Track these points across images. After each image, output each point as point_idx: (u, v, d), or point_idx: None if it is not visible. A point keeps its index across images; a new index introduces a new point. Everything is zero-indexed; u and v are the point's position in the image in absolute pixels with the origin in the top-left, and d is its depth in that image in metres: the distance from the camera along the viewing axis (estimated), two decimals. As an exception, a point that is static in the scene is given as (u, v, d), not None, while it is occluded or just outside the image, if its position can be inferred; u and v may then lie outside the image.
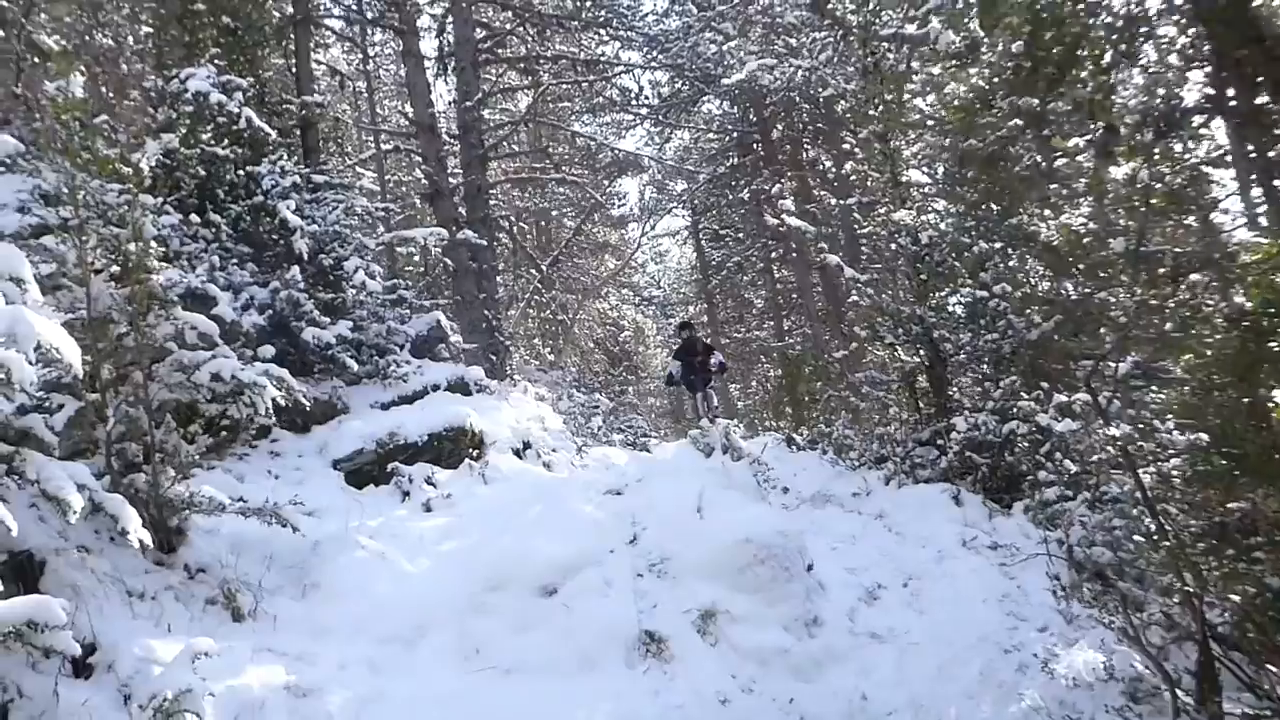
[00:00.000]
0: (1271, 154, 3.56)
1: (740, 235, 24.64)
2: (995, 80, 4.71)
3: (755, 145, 21.95)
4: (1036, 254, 8.19)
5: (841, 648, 5.06)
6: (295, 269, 7.33)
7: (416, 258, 11.22)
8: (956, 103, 5.36)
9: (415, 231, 9.17)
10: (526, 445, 8.13)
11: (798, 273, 21.68)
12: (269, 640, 4.82)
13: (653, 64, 17.78)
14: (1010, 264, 7.96)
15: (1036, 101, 4.38)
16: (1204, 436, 3.22)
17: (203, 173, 7.43)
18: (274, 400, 5.33)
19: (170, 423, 5.27)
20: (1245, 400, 3.11)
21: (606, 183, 22.19)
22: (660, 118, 20.49)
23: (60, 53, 5.52)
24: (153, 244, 5.06)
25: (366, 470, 7.10)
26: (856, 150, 14.57)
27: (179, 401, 5.38)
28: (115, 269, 5.14)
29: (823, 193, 20.80)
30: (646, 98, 19.56)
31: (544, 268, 18.54)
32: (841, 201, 13.72)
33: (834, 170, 19.17)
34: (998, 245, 8.05)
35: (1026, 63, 4.21)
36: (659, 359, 33.37)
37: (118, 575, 4.84)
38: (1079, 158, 5.23)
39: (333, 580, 5.42)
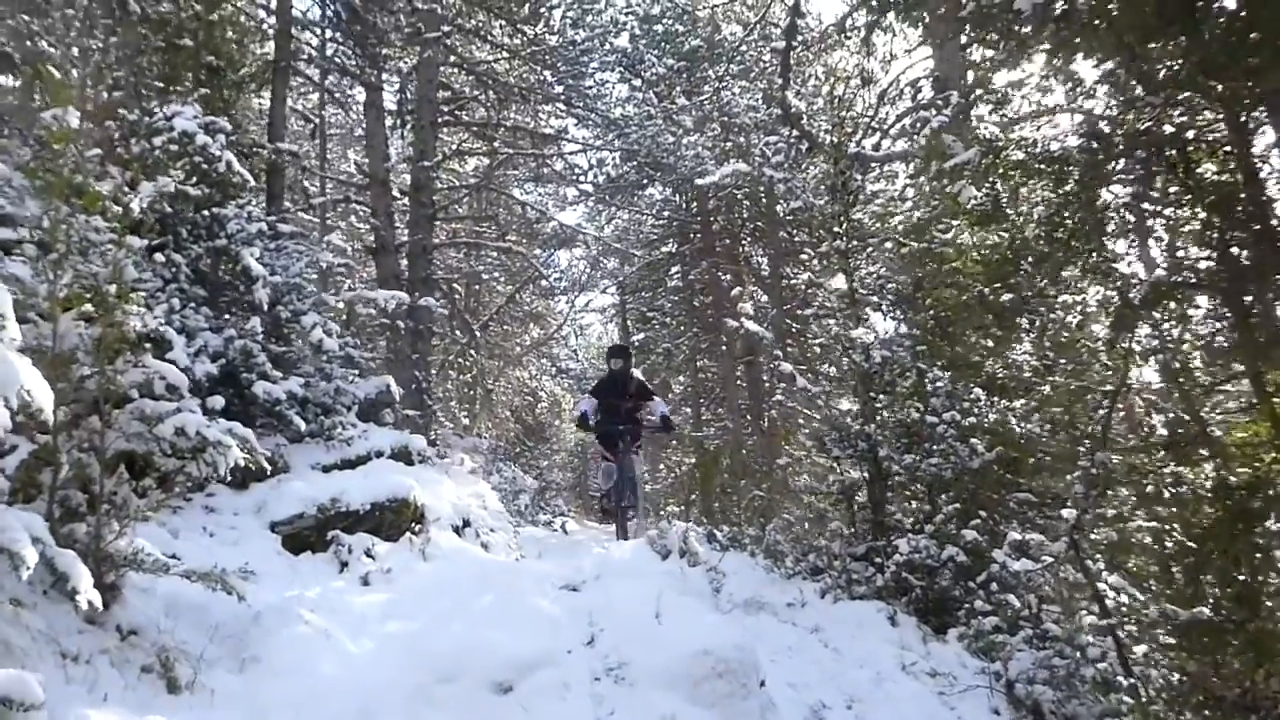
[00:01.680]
0: (1261, 339, 3.78)
1: (668, 320, 24.92)
2: (1016, 241, 4.96)
3: (694, 235, 22.35)
4: (981, 384, 8.48)
5: (794, 772, 5.02)
6: (255, 319, 7.14)
7: (375, 319, 11.02)
8: (977, 256, 5.61)
9: (378, 293, 9.05)
10: (466, 523, 7.98)
11: (723, 366, 21.97)
12: (206, 716, 4.58)
13: (608, 146, 18.08)
14: (957, 391, 8.18)
15: (1053, 266, 4.62)
16: (1205, 611, 3.35)
17: (167, 209, 7.22)
18: (236, 462, 5.16)
19: (123, 473, 5.04)
20: (1234, 575, 3.23)
21: (543, 253, 22.30)
22: (605, 197, 20.78)
23: (59, 82, 5.34)
24: (133, 290, 4.88)
25: (305, 535, 6.86)
26: (807, 257, 14.96)
27: (134, 452, 5.16)
28: (88, 308, 4.93)
29: (755, 289, 21.23)
30: (594, 176, 19.85)
31: (476, 332, 18.42)
32: (799, 307, 13.94)
33: (769, 268, 19.63)
34: (946, 372, 8.29)
35: (1047, 228, 4.44)
36: (572, 433, 33.25)
37: (52, 634, 4.55)
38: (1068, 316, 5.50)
39: (274, 655, 5.18)
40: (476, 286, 22.77)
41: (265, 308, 7.41)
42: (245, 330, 7.19)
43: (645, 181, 20.63)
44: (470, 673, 5.11)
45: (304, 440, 7.71)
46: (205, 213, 7.46)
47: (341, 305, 9.50)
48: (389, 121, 15.13)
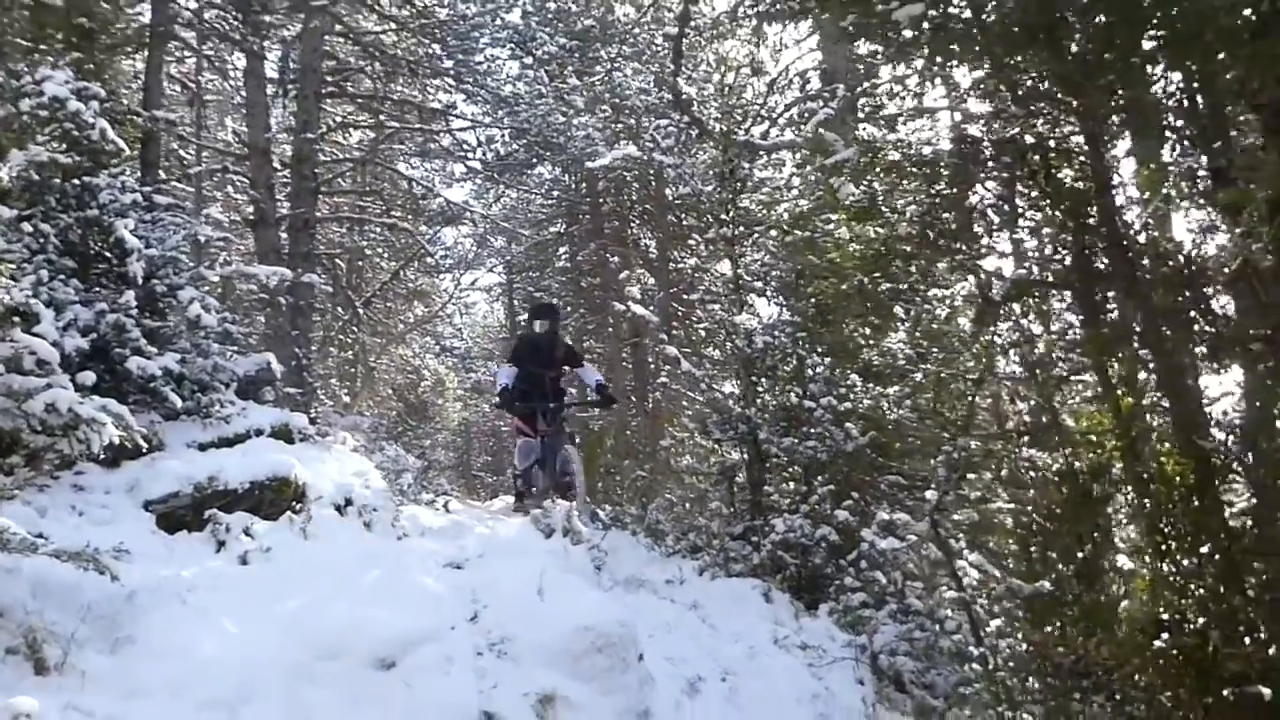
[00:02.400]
0: (1108, 335, 4.10)
1: (555, 301, 24.92)
2: (891, 237, 5.21)
3: (583, 216, 22.40)
4: (857, 371, 8.82)
5: (670, 742, 5.20)
6: (129, 293, 6.93)
7: (255, 294, 10.71)
8: (853, 250, 5.86)
9: (259, 269, 8.84)
10: (348, 502, 7.91)
11: (609, 347, 22.13)
12: (77, 699, 4.48)
13: (497, 124, 17.95)
14: (835, 377, 8.49)
15: (924, 262, 4.88)
16: (1046, 585, 3.64)
17: (35, 176, 6.94)
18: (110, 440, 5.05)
19: (-13, 451, 4.89)
20: (1076, 554, 3.51)
21: (428, 230, 22.02)
22: (493, 175, 20.63)
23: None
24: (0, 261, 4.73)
25: (180, 515, 6.72)
26: (695, 242, 15.19)
27: (0, 429, 5.00)
28: (-49, 279, 4.76)
29: (643, 272, 21.42)
30: (483, 153, 19.68)
31: (359, 308, 18.13)
32: (685, 291, 14.13)
33: (657, 252, 19.84)
34: (825, 359, 8.59)
35: (920, 227, 4.69)
36: (457, 413, 32.96)
37: (-90, 616, 4.41)
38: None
39: (149, 635, 5.10)
40: (360, 262, 22.37)
41: (140, 281, 7.20)
42: (118, 304, 6.97)
43: (534, 160, 20.52)
44: (352, 650, 5.11)
45: (180, 418, 7.52)
46: (76, 181, 7.18)
47: (218, 279, 9.27)
48: (270, 90, 14.73)
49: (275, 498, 7.25)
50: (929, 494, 5.44)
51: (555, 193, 23.02)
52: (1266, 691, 2.73)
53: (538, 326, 8.56)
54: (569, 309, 24.42)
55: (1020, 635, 4.18)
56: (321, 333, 18.40)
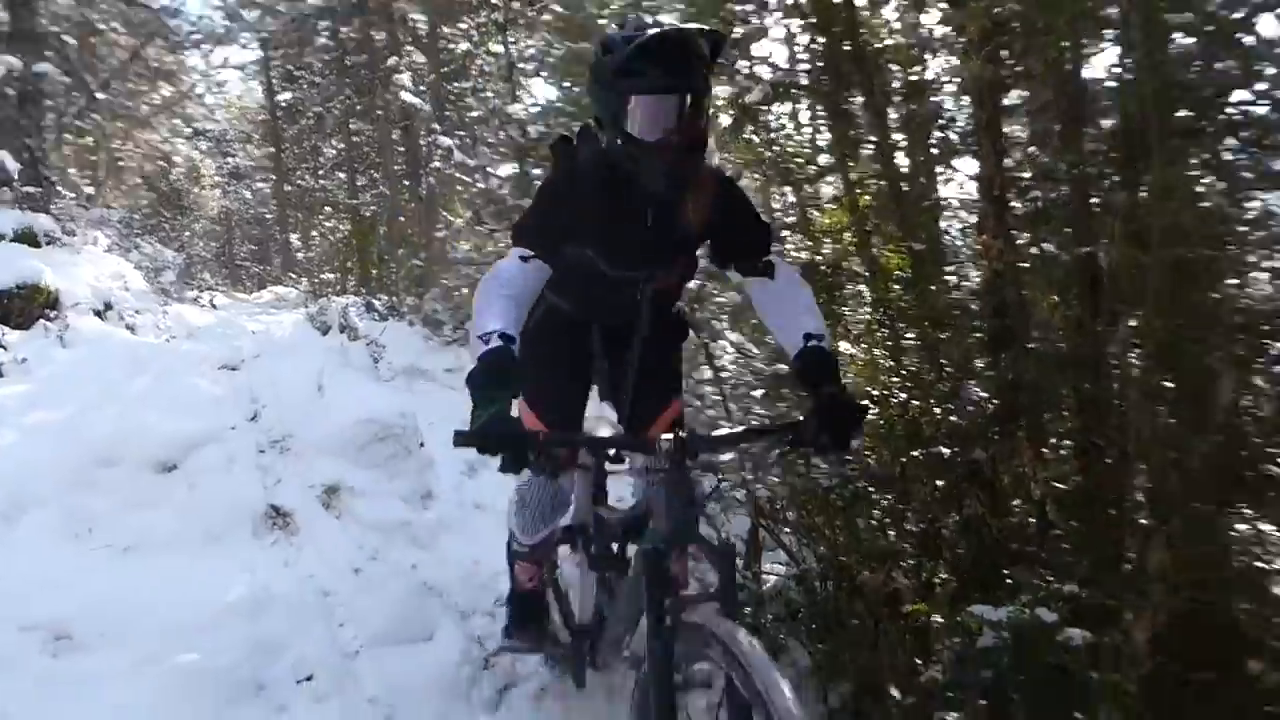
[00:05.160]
0: (850, 137, 4.49)
1: (318, 80, 23.47)
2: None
3: (345, -12, 20.84)
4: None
5: (452, 518, 5.58)
6: None
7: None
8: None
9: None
10: (108, 306, 7.62)
11: (379, 130, 21.20)
12: None
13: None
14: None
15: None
16: (783, 366, 4.11)
17: None
18: None
19: None
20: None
21: (170, 2, 19.96)
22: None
23: None
24: None
25: (-80, 327, 6.34)
26: (466, 26, 14.59)
27: None
28: None
29: (411, 49, 20.35)
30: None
31: (96, 92, 16.49)
32: (457, 76, 13.62)
33: (427, 28, 18.85)
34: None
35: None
36: (215, 201, 31.03)
37: None
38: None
39: (-98, 453, 4.93)
40: (93, 39, 20.10)
41: None
42: None
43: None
44: (130, 455, 5.14)
45: (-99, 222, 6.93)
46: None
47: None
48: None
49: (26, 306, 6.91)
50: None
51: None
52: (947, 451, 3.34)
53: (640, 119, 2.30)
54: (333, 89, 23.11)
55: (760, 410, 4.72)
56: (55, 118, 16.68)
